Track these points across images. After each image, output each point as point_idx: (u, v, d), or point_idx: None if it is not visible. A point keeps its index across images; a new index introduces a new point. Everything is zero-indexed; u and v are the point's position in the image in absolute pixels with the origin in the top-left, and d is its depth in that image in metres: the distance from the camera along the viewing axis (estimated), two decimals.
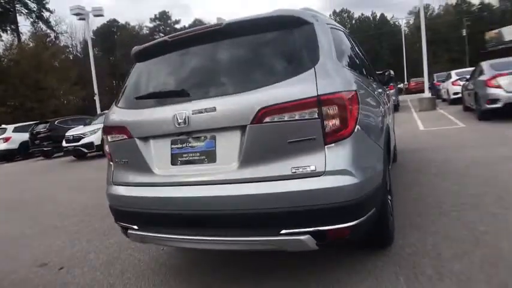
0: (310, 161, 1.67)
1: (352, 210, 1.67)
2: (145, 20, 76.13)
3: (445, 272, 1.95)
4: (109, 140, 2.20)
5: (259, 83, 1.79)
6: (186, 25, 56.44)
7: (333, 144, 1.67)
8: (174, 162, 1.96)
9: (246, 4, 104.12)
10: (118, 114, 2.18)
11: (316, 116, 1.65)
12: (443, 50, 54.97)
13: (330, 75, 1.74)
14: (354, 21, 67.86)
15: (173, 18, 62.34)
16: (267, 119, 1.71)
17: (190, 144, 1.91)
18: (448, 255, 2.13)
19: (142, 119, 2.03)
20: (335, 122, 1.66)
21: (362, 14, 67.93)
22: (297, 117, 1.67)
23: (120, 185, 2.15)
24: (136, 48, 2.30)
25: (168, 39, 2.09)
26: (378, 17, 67.11)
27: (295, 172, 1.68)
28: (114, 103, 2.31)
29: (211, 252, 2.51)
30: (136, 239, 2.13)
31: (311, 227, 1.67)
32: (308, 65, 1.76)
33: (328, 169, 1.66)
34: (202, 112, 1.81)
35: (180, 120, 1.85)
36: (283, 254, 1.91)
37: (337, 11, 68.02)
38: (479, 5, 58.13)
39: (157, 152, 1.99)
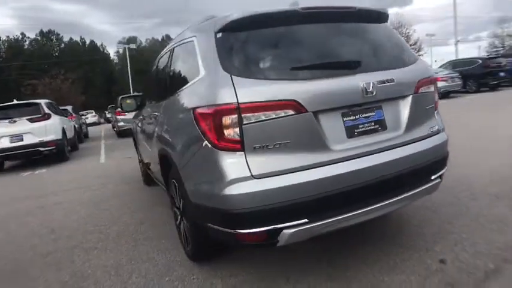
0: (434, 123, 2.24)
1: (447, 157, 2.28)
2: None
3: None
4: (251, 120, 1.73)
5: (406, 60, 2.19)
6: None
7: (437, 111, 2.31)
8: (350, 135, 1.92)
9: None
10: (273, 86, 1.79)
11: (433, 90, 2.25)
12: None
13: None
14: (63, 45, 67.87)
15: None
16: (421, 90, 2.13)
17: (363, 115, 1.95)
18: None
19: (319, 91, 1.85)
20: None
21: (71, 39, 69.07)
22: (431, 89, 2.23)
23: (271, 175, 1.74)
24: (246, 13, 1.94)
25: (299, 10, 2.00)
26: (87, 43, 70.40)
27: (432, 131, 2.19)
28: (228, 75, 1.78)
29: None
30: (298, 237, 1.79)
31: (442, 170, 2.21)
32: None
33: (441, 128, 2.27)
34: (384, 83, 1.96)
35: (368, 90, 1.90)
36: None
37: (45, 31, 65.60)
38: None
39: (330, 127, 1.87)
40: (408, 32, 41.01)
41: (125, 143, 11.33)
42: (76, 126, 12.20)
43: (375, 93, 1.96)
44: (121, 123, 13.19)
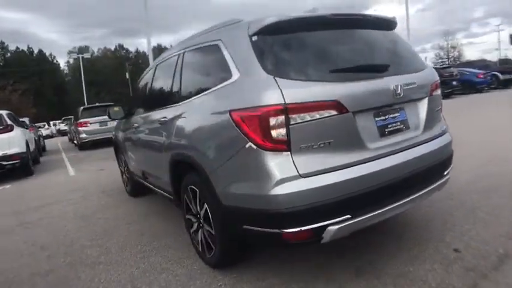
0: (442, 123, 2.45)
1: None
2: None
3: None
4: (297, 120, 1.77)
5: (420, 65, 2.36)
6: None
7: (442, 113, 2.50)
8: (382, 134, 2.02)
9: None
10: (315, 88, 1.84)
11: (439, 93, 2.43)
12: (106, 92, 59.51)
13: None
14: (9, 54, 63.40)
15: None
16: (434, 92, 2.32)
17: (391, 116, 2.09)
18: None
19: (358, 92, 1.94)
20: None
21: (18, 48, 64.80)
22: (439, 92, 2.42)
23: (316, 174, 1.79)
24: (282, 16, 1.99)
25: (329, 15, 2.10)
26: (35, 53, 66.42)
27: (442, 131, 2.40)
28: (271, 76, 1.80)
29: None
30: (341, 233, 1.82)
31: (450, 167, 2.42)
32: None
33: (447, 128, 2.46)
34: (408, 85, 2.11)
35: (397, 92, 2.05)
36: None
37: None
38: (135, 52, 72.38)
39: (365, 126, 1.95)
40: None
41: (90, 156, 10.80)
42: (35, 138, 11.47)
43: (402, 94, 2.10)
44: (83, 135, 12.53)
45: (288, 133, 1.77)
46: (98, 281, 2.56)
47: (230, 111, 1.95)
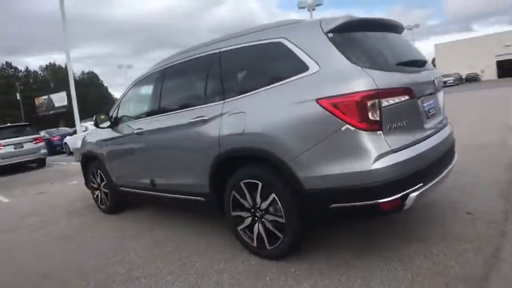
0: (446, 113, 2.86)
1: None
2: None
3: None
4: (385, 103, 2.03)
5: (429, 63, 2.77)
6: None
7: None
8: (428, 116, 2.41)
9: None
10: (390, 77, 2.15)
11: None
12: None
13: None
14: None
15: None
16: (441, 84, 2.76)
17: (429, 102, 2.47)
18: None
19: (417, 81, 2.33)
20: None
21: None
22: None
23: (400, 150, 2.07)
24: (348, 17, 2.27)
25: (380, 20, 2.50)
26: None
27: (446, 119, 2.84)
28: (359, 67, 2.05)
29: None
30: (418, 199, 2.09)
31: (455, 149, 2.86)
32: None
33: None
34: (437, 78, 2.60)
35: (435, 82, 2.53)
36: None
37: None
38: (24, 71, 62.90)
39: (421, 110, 2.34)
40: None
41: (13, 181, 9.24)
42: None
43: (437, 85, 2.58)
44: None
45: (380, 115, 2.03)
46: None
47: (317, 100, 2.11)
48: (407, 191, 2.06)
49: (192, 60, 3.08)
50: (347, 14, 2.36)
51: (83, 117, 18.06)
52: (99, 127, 4.00)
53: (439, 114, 2.71)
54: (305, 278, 2.27)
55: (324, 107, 2.08)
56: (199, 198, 2.99)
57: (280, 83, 2.34)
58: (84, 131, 13.90)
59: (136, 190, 3.82)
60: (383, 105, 2.04)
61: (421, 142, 2.28)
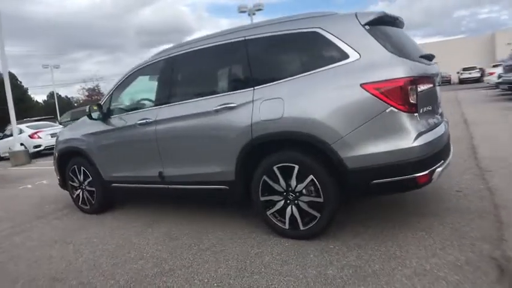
0: None
1: None
2: None
3: None
4: (420, 89, 2.32)
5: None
6: None
7: None
8: (438, 106, 2.83)
9: None
10: (418, 66, 2.43)
11: None
12: None
13: None
14: None
15: None
16: None
17: (436, 93, 2.79)
18: None
19: (433, 72, 2.67)
20: None
21: None
22: None
23: (428, 131, 2.38)
24: (379, 12, 2.50)
25: (400, 17, 2.81)
26: None
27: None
28: (395, 56, 2.31)
29: None
30: (440, 174, 2.38)
31: None
32: None
33: None
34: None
35: (439, 74, 2.92)
36: None
37: None
38: None
39: (437, 98, 2.72)
40: None
41: None
42: None
43: (439, 78, 2.95)
44: None
45: (417, 98, 2.30)
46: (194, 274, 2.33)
47: (362, 84, 2.30)
48: (435, 166, 2.36)
49: (212, 47, 3.07)
50: (380, 10, 2.62)
51: (8, 121, 16.19)
52: (93, 118, 3.72)
53: (441, 106, 3.08)
54: (346, 252, 2.43)
55: (368, 91, 2.28)
56: (221, 186, 2.98)
57: (321, 69, 2.49)
58: (20, 133, 12.46)
59: (134, 185, 3.64)
60: (418, 90, 2.32)
61: (437, 127, 2.61)
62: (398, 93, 2.25)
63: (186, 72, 3.31)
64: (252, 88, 2.74)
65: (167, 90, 3.34)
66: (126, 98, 3.80)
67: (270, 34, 2.79)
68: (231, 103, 2.81)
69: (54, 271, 2.76)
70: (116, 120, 3.67)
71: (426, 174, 2.30)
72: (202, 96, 3.03)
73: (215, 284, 2.25)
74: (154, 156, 3.34)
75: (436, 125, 2.60)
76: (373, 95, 2.28)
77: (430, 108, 2.54)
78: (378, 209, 3.13)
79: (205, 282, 2.29)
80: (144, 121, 3.36)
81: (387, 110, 2.26)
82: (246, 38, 2.87)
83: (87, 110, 3.69)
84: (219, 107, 2.86)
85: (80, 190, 4.20)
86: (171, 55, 3.36)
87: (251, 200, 2.86)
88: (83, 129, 4.01)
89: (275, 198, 2.72)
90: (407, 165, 2.26)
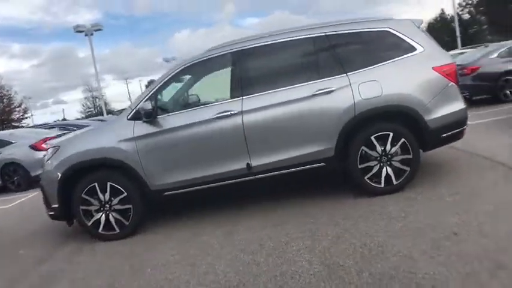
0: None
1: None
2: None
3: None
4: None
5: None
6: None
7: None
8: None
9: None
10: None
11: None
12: None
13: None
14: None
15: None
16: None
17: None
18: None
19: None
20: None
21: None
22: None
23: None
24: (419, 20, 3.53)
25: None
26: None
27: None
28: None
29: None
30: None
31: None
32: None
33: None
34: None
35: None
36: None
37: None
38: None
39: None
40: (10, 94, 38.41)
41: None
42: None
43: None
44: None
45: (457, 77, 3.52)
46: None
47: (433, 67, 3.37)
48: (466, 125, 3.60)
49: (290, 41, 3.47)
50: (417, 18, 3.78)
51: None
52: (147, 120, 3.24)
53: None
54: (417, 200, 3.21)
55: (437, 72, 3.38)
56: (319, 164, 3.36)
57: (399, 58, 3.40)
58: None
59: (201, 187, 3.40)
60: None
61: None
62: (454, 73, 3.45)
63: (269, 64, 3.52)
64: (345, 74, 3.34)
65: (248, 81, 3.42)
66: (180, 95, 3.49)
67: (348, 31, 3.50)
68: (328, 88, 3.30)
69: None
70: (175, 119, 3.35)
71: (465, 128, 3.55)
72: (292, 85, 3.36)
73: None
74: (241, 148, 3.32)
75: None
76: (440, 74, 3.38)
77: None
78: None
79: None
80: (226, 113, 3.30)
81: (449, 85, 3.41)
82: (327, 33, 3.46)
83: (134, 112, 3.20)
84: (316, 92, 3.29)
85: (101, 213, 3.40)
86: (244, 48, 3.48)
87: (347, 170, 3.39)
88: (113, 135, 3.37)
89: (371, 164, 3.36)
90: (464, 120, 3.49)
